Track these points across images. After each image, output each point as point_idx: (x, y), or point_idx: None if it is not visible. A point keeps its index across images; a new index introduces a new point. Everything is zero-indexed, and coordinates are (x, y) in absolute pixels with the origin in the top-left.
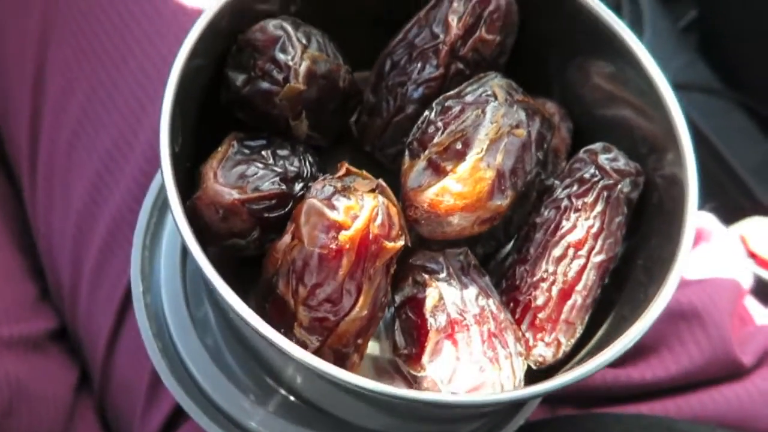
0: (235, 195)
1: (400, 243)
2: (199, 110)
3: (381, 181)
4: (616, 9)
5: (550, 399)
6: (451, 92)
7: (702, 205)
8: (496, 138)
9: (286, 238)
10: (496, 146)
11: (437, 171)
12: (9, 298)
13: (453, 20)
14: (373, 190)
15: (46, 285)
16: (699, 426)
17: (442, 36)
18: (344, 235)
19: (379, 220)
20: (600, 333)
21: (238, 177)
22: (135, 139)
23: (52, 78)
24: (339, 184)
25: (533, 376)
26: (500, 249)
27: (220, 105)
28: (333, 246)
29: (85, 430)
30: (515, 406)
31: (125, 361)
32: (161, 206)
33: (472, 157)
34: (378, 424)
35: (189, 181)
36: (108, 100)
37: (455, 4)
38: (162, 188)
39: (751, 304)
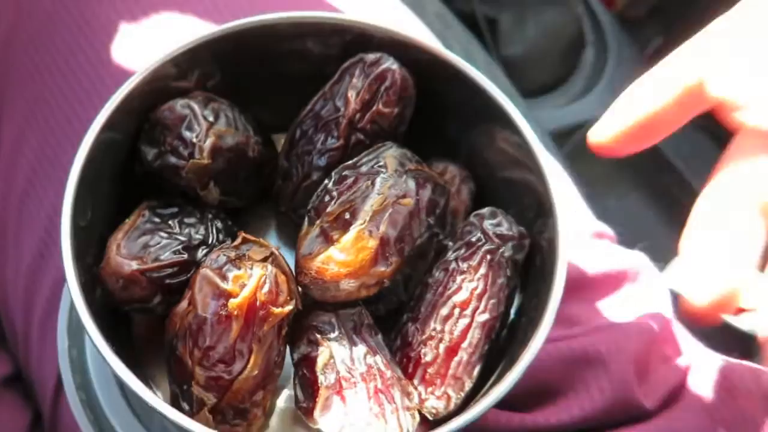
0: (134, 266)
1: (288, 308)
2: (115, 181)
3: (275, 249)
4: (580, 38)
5: None
6: (350, 162)
7: (634, 245)
8: (380, 209)
9: (184, 304)
10: (380, 216)
11: (327, 239)
12: None
13: (352, 95)
14: (266, 258)
15: (2, 331)
16: None
17: (342, 109)
18: (233, 303)
19: (266, 288)
20: (489, 383)
21: (141, 247)
22: None
23: (4, 137)
24: (233, 254)
25: (432, 426)
26: (402, 306)
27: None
28: (223, 312)
29: None
30: None
31: (69, 410)
32: None
33: (355, 227)
34: None
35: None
36: (54, 159)
37: (354, 80)
38: None
39: (685, 339)
